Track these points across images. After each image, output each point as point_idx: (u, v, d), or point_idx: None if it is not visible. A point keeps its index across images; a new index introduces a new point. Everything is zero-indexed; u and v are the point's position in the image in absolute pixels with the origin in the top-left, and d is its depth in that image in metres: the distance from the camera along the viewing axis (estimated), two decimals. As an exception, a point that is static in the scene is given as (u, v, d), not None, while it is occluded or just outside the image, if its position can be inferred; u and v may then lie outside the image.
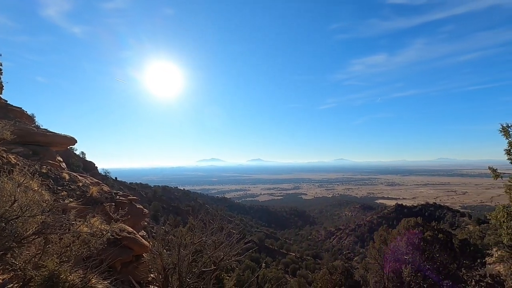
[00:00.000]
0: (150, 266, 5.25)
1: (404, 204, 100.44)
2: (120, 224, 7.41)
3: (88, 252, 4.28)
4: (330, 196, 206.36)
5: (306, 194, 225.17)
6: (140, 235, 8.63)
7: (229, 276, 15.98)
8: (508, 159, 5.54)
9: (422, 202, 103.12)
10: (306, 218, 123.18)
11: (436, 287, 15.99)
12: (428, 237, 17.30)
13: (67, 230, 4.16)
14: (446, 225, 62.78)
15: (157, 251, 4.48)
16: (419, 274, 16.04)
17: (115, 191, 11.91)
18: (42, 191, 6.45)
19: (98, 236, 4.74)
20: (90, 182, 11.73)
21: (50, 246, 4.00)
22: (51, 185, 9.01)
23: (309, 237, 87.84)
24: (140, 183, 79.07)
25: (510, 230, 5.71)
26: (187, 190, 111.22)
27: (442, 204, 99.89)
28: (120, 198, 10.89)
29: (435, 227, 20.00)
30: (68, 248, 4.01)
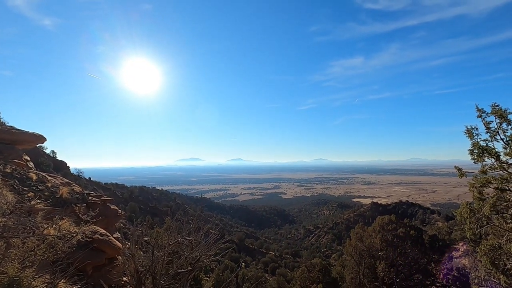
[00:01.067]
0: (123, 269, 5.05)
1: (379, 202, 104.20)
2: (92, 226, 7.08)
3: (55, 256, 4.04)
4: (309, 195, 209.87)
5: (286, 194, 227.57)
6: (114, 237, 8.30)
7: (208, 277, 15.79)
8: (471, 159, 5.92)
9: (396, 200, 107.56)
10: (285, 217, 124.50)
11: (408, 281, 16.72)
12: (401, 234, 18.03)
13: (31, 233, 3.90)
14: (418, 222, 65.93)
15: (129, 253, 4.31)
16: (392, 269, 16.70)
17: (87, 192, 11.39)
18: (5, 192, 6.03)
19: (67, 239, 4.49)
20: (60, 183, 11.13)
21: (11, 250, 3.74)
22: (16, 185, 8.45)
23: (289, 236, 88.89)
24: (116, 183, 76.25)
25: (472, 225, 6.09)
26: (166, 190, 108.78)
27: (414, 202, 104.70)
28: (93, 199, 10.43)
29: (408, 224, 20.90)
30: (32, 252, 3.76)
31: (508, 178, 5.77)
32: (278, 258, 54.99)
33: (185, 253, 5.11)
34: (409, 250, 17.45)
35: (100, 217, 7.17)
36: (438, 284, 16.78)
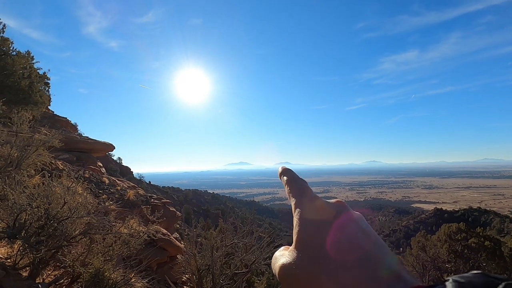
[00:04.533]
0: (184, 267, 5.44)
1: (444, 208, 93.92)
2: (156, 226, 7.77)
3: (128, 252, 4.55)
4: (362, 199, 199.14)
5: (336, 197, 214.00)
6: (174, 237, 8.98)
7: (259, 280, 15.98)
8: None
9: (465, 207, 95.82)
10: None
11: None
12: (472, 245, 16.01)
13: (109, 231, 4.45)
14: (494, 232, 57.62)
15: (191, 253, 4.64)
16: (463, 284, 14.90)
17: (149, 195, 12.52)
18: (86, 194, 6.97)
19: (136, 237, 5.02)
20: (127, 186, 12.44)
21: (94, 245, 4.32)
22: (93, 188, 9.69)
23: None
24: (172, 186, 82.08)
25: None
26: (216, 193, 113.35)
27: (488, 208, 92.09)
28: (155, 201, 11.42)
29: (481, 233, 18.44)
30: (110, 247, 4.29)
31: None
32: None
33: (240, 255, 5.29)
34: (484, 264, 15.39)
35: (163, 218, 7.82)
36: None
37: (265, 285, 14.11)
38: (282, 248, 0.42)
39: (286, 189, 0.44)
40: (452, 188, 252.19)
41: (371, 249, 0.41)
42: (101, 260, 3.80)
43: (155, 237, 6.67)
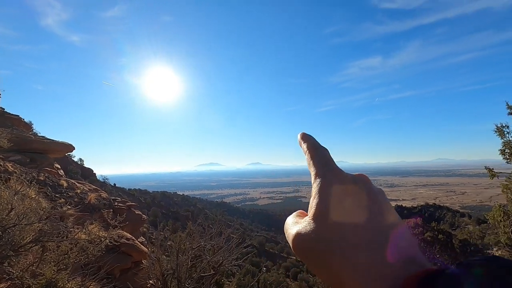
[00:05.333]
0: (149, 273, 5.22)
1: (404, 205, 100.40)
2: (119, 231, 7.38)
3: (86, 259, 4.26)
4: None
5: (306, 197, 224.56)
6: (139, 241, 8.59)
7: (230, 281, 15.85)
8: (503, 158, 5.60)
9: (422, 203, 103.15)
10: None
11: None
12: (428, 238, 17.26)
13: (64, 238, 4.14)
14: (446, 226, 62.72)
15: (155, 257, 4.46)
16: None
17: (113, 198, 11.89)
18: (40, 199, 6.43)
19: (96, 243, 4.72)
20: (88, 189, 11.70)
21: (47, 254, 3.98)
22: (49, 192, 8.98)
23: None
24: (139, 189, 78.73)
25: (507, 229, 5.74)
26: (186, 195, 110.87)
27: (441, 204, 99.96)
28: (119, 204, 10.87)
29: (435, 227, 19.96)
30: (65, 255, 3.99)
31: (545, 179, 5.41)
32: (300, 263, 54.24)
33: (208, 257, 5.20)
34: (437, 255, 16.65)
35: (126, 222, 7.45)
36: None
37: (235, 286, 14.02)
38: (295, 213, 0.41)
39: (307, 157, 0.41)
40: (411, 186, 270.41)
41: (387, 230, 0.41)
42: (53, 270, 3.51)
43: (117, 242, 6.32)
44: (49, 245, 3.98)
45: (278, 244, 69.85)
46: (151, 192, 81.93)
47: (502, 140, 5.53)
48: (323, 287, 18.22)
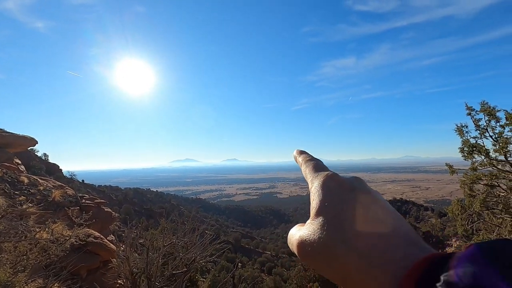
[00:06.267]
0: (118, 272, 5.02)
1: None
2: (86, 229, 7.02)
3: (48, 260, 4.00)
4: (304, 194, 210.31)
5: (281, 193, 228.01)
6: (108, 240, 8.24)
7: (204, 278, 15.74)
8: (462, 156, 6.03)
9: (390, 198, 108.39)
10: (281, 216, 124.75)
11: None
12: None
13: (23, 237, 3.85)
14: (412, 219, 66.70)
15: (124, 256, 4.29)
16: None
17: (80, 195, 11.28)
18: (-4, 196, 5.94)
19: (60, 242, 4.45)
20: (53, 186, 11.00)
21: (3, 255, 3.69)
22: (7, 189, 8.33)
23: (285, 235, 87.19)
24: (110, 185, 75.63)
25: (464, 222, 6.21)
26: (161, 191, 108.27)
27: (407, 199, 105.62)
28: (86, 201, 10.33)
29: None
30: (24, 256, 3.71)
31: (497, 174, 5.88)
32: (275, 257, 55.08)
33: (180, 254, 5.10)
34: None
35: (94, 220, 7.10)
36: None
37: (210, 283, 13.95)
38: (297, 225, 0.43)
39: (303, 168, 0.43)
40: (380, 182, 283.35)
41: (385, 218, 0.42)
42: (9, 272, 3.25)
43: (83, 241, 6.01)
44: (5, 246, 3.68)
45: (254, 239, 70.43)
46: (123, 189, 78.95)
47: (462, 139, 5.95)
48: (297, 280, 18.66)
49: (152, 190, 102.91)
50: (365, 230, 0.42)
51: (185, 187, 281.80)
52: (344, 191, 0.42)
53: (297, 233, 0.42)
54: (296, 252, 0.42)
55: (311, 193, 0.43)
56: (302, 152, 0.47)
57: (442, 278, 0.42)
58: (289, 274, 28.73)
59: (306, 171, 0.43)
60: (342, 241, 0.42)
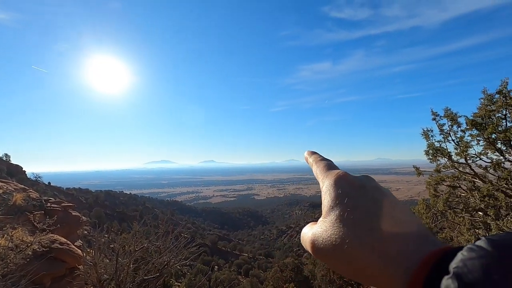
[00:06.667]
0: (85, 279, 4.76)
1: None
2: (50, 235, 6.60)
3: (6, 269, 3.70)
4: (281, 195, 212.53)
5: (259, 195, 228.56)
6: (76, 246, 7.80)
7: (180, 282, 15.37)
8: (427, 158, 6.42)
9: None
10: (258, 218, 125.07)
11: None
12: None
13: (-23, 245, 3.54)
14: (383, 219, 69.42)
15: (91, 262, 4.07)
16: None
17: (46, 198, 10.59)
18: None
19: (20, 249, 4.14)
20: (14, 189, 10.25)
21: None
22: (-39, 193, 7.65)
23: (262, 237, 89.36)
24: (80, 188, 71.90)
25: (428, 220, 6.59)
26: (134, 194, 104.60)
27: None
28: (52, 205, 9.73)
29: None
30: (-22, 266, 3.42)
31: (459, 176, 6.30)
32: (252, 259, 55.09)
33: (153, 258, 4.94)
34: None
35: (59, 225, 6.70)
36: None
37: (185, 287, 13.64)
38: (309, 224, 0.45)
39: (314, 168, 0.45)
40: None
41: (396, 214, 0.43)
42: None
43: (46, 248, 5.65)
44: (-45, 255, 3.37)
45: (231, 242, 69.99)
46: (93, 191, 75.43)
47: (427, 142, 6.33)
48: (273, 281, 18.76)
49: (126, 193, 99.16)
50: (376, 225, 0.43)
51: (160, 189, 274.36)
52: (354, 188, 0.44)
53: (310, 231, 0.44)
54: (309, 250, 0.44)
55: (322, 192, 0.44)
56: (313, 153, 0.48)
57: (452, 270, 0.43)
58: (265, 275, 28.81)
59: (317, 171, 0.44)
60: (354, 237, 0.43)
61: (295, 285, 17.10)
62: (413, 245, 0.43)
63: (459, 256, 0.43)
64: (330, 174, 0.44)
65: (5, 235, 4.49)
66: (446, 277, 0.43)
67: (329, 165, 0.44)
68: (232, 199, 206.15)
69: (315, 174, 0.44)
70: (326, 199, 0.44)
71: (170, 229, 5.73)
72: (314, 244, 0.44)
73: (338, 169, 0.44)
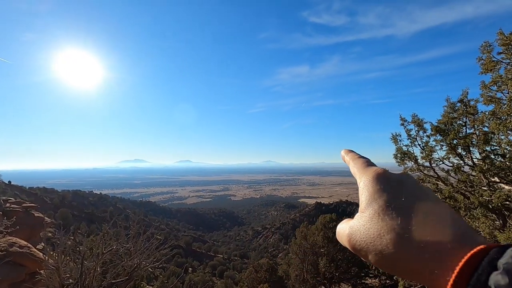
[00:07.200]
0: (47, 284, 4.48)
1: (322, 202, 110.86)
2: (9, 237, 6.14)
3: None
4: (258, 196, 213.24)
5: (235, 195, 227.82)
6: (38, 249, 7.31)
7: (152, 285, 14.93)
8: (396, 162, 6.76)
9: (337, 200, 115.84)
10: (234, 219, 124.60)
11: (346, 274, 18.10)
12: (340, 231, 19.38)
13: None
14: (355, 219, 71.88)
15: (52, 266, 3.84)
16: (332, 264, 17.89)
17: (4, 198, 9.85)
18: None
19: (-28, 253, 3.81)
20: (-32, 188, 9.44)
21: None
22: None
23: (237, 238, 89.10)
24: (44, 187, 67.63)
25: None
26: (105, 194, 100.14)
27: (352, 201, 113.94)
28: (12, 205, 9.07)
29: (346, 221, 22.53)
30: None
31: (424, 179, 6.70)
32: (227, 260, 54.71)
33: (122, 261, 4.75)
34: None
35: (18, 227, 6.26)
36: (371, 275, 18.46)
37: (156, 290, 13.29)
38: (344, 220, 0.45)
39: (351, 166, 0.45)
40: (329, 185, 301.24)
41: (436, 209, 0.43)
42: None
43: (3, 251, 5.25)
44: None
45: (206, 243, 69.07)
46: (59, 191, 71.24)
47: (396, 146, 6.67)
48: (248, 282, 18.75)
49: (95, 193, 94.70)
50: (416, 221, 0.43)
51: (133, 189, 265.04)
52: (393, 185, 0.44)
53: (346, 226, 0.44)
54: (347, 245, 0.43)
55: (359, 188, 0.44)
56: (350, 151, 0.49)
57: (501, 266, 0.43)
58: (240, 276, 28.73)
59: (355, 168, 0.44)
60: (393, 231, 0.43)
61: (269, 285, 17.21)
62: (456, 241, 0.43)
63: (509, 252, 0.43)
64: (368, 170, 0.44)
65: (-44, 238, 4.11)
66: (495, 272, 0.43)
67: (367, 162, 0.44)
68: (208, 199, 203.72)
69: (352, 172, 0.44)
70: (364, 195, 0.44)
71: (142, 231, 5.55)
72: (351, 238, 0.44)
73: (376, 166, 0.45)
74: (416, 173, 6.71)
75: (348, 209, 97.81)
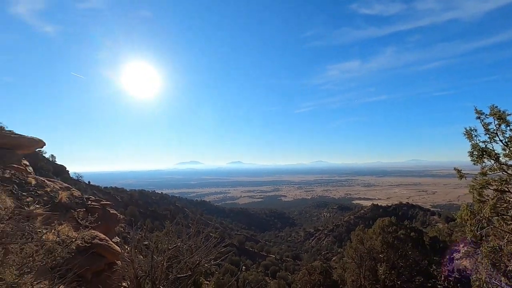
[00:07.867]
0: (122, 274, 5.01)
1: (379, 204, 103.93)
2: (91, 231, 7.05)
3: (54, 262, 4.01)
4: (309, 197, 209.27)
5: (286, 196, 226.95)
6: (113, 242, 8.26)
7: (209, 281, 15.69)
8: (471, 160, 5.93)
9: (396, 202, 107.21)
10: (285, 219, 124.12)
11: (409, 284, 16.66)
12: (401, 236, 17.96)
13: (29, 239, 3.88)
14: (418, 224, 65.83)
15: (129, 258, 4.28)
16: (393, 272, 16.63)
17: (87, 196, 11.36)
18: (4, 197, 6.01)
19: (66, 244, 4.46)
20: (60, 187, 11.10)
21: (9, 256, 3.71)
22: (15, 190, 8.42)
23: (289, 239, 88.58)
24: (115, 187, 76.17)
25: (473, 227, 6.07)
26: (165, 193, 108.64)
27: (414, 203, 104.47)
28: (92, 203, 10.40)
29: (408, 225, 20.81)
30: (30, 258, 3.73)
31: (508, 180, 5.75)
32: (279, 261, 54.75)
33: (185, 257, 5.07)
34: (409, 252, 17.37)
35: (100, 222, 7.13)
36: (439, 286, 16.70)
37: (214, 286, 13.90)
38: None
39: None
40: (386, 186, 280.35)
41: None
42: (15, 274, 3.27)
43: (88, 243, 6.04)
44: (11, 248, 3.70)
45: (258, 242, 70.16)
46: (128, 190, 79.48)
47: (471, 143, 5.85)
48: (301, 284, 18.48)
49: (157, 192, 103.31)
50: None
51: (190, 189, 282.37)
52: None
53: None
54: None
55: None
56: None
57: None
58: (293, 278, 28.47)
59: None
60: None
61: (324, 289, 16.73)
62: None
63: None
64: None
65: (53, 231, 4.85)
66: None
67: None
68: (259, 200, 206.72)
69: None
70: None
71: (201, 229, 5.86)
72: None
73: None
74: (498, 173, 5.81)
75: (410, 212, 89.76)
